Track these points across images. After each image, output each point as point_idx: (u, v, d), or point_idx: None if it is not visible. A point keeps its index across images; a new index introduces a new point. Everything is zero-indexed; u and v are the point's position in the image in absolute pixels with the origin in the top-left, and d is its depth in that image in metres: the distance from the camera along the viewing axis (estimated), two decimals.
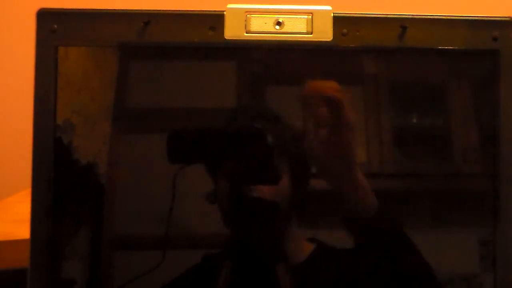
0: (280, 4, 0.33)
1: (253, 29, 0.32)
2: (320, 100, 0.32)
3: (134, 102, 0.34)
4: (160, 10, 0.32)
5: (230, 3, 0.32)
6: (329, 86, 0.32)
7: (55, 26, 0.32)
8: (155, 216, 0.33)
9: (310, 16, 0.32)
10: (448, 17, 0.33)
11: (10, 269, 0.45)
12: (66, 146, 0.32)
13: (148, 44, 0.32)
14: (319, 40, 0.32)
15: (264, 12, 0.33)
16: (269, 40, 0.32)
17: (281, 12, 0.32)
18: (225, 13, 0.32)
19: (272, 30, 0.32)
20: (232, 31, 0.32)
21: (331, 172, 0.32)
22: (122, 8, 0.33)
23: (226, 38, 0.32)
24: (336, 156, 0.31)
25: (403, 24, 0.32)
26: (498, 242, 0.32)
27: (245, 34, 0.32)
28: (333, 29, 0.32)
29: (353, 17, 0.33)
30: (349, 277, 0.33)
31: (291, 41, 0.32)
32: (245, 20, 0.32)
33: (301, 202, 0.33)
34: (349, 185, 0.32)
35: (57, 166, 0.32)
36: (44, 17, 0.32)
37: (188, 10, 0.33)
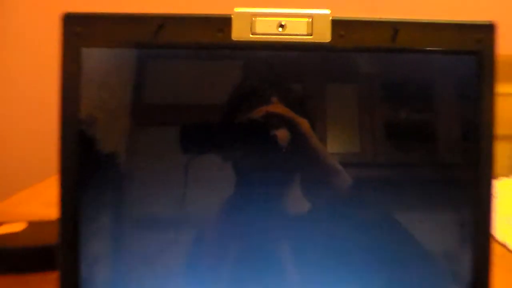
0: (283, 8, 0.33)
1: (258, 31, 0.33)
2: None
3: (150, 98, 0.35)
4: (173, 13, 0.33)
5: (237, 7, 0.34)
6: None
7: (79, 29, 0.33)
8: (169, 201, 0.35)
9: (310, 19, 0.33)
10: (436, 21, 0.34)
11: (42, 245, 0.48)
12: (89, 137, 0.34)
13: (162, 45, 0.34)
14: (318, 41, 0.33)
15: (268, 15, 0.33)
16: (272, 41, 0.33)
17: (283, 16, 0.33)
18: (232, 16, 0.33)
19: (275, 32, 0.33)
20: (238, 33, 0.33)
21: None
22: (139, 12, 0.34)
23: (233, 39, 0.33)
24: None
25: (395, 27, 0.33)
26: (477, 224, 0.34)
27: (251, 35, 0.33)
28: (331, 31, 0.33)
29: (350, 20, 0.33)
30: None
31: (292, 42, 0.33)
32: (251, 23, 0.33)
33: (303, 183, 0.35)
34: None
35: (81, 155, 0.34)
36: (69, 20, 0.33)
37: (198, 14, 0.33)
